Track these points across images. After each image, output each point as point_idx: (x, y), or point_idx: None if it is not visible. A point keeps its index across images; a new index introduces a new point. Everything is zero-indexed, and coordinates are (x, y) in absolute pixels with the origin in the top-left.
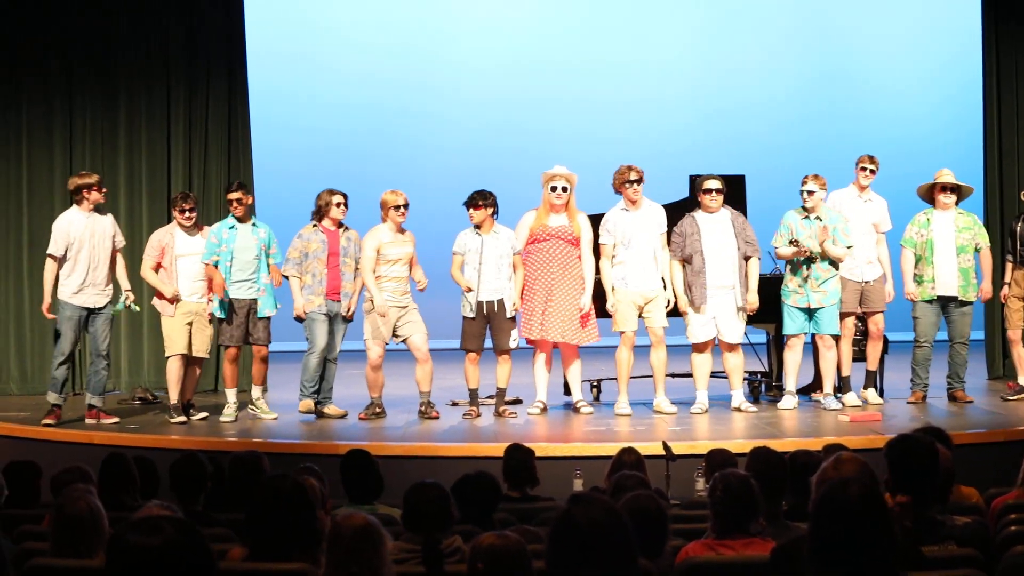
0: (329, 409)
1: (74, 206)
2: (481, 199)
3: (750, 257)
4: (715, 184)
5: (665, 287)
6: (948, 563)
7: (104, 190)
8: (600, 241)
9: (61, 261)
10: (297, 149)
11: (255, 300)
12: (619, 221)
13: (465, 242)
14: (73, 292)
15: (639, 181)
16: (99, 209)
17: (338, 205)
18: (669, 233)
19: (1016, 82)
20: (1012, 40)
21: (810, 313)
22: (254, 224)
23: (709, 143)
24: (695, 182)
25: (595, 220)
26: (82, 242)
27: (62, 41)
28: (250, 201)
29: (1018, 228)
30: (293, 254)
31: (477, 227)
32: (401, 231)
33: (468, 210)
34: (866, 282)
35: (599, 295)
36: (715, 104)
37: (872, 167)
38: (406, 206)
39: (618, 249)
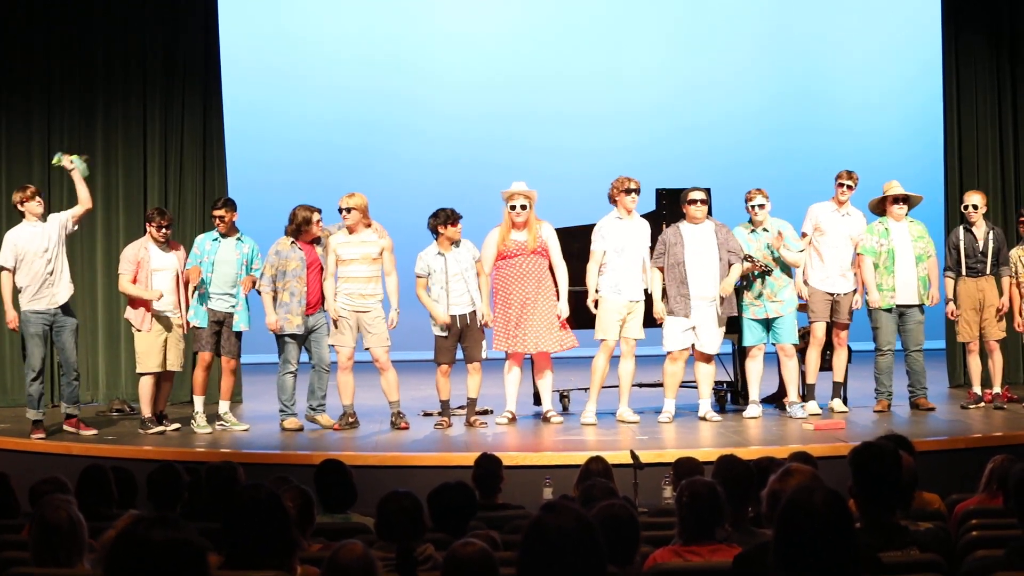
0: (321, 418)
1: (22, 220)
2: (456, 216)
3: (732, 264)
4: (698, 195)
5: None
6: (911, 568)
7: (40, 200)
8: (592, 247)
9: (14, 272)
10: (273, 162)
11: (230, 314)
12: (614, 229)
13: (428, 263)
14: (30, 300)
15: (637, 192)
16: (45, 218)
17: (318, 223)
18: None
19: (974, 95)
20: (970, 55)
21: (768, 324)
22: (239, 239)
23: (677, 157)
24: (660, 193)
25: (565, 231)
26: (32, 254)
27: (41, 56)
28: (234, 218)
29: (962, 241)
30: (268, 271)
31: (456, 243)
32: (351, 231)
33: (446, 228)
34: (837, 294)
35: (580, 306)
36: (684, 118)
37: (849, 183)
38: (347, 210)
39: (610, 256)
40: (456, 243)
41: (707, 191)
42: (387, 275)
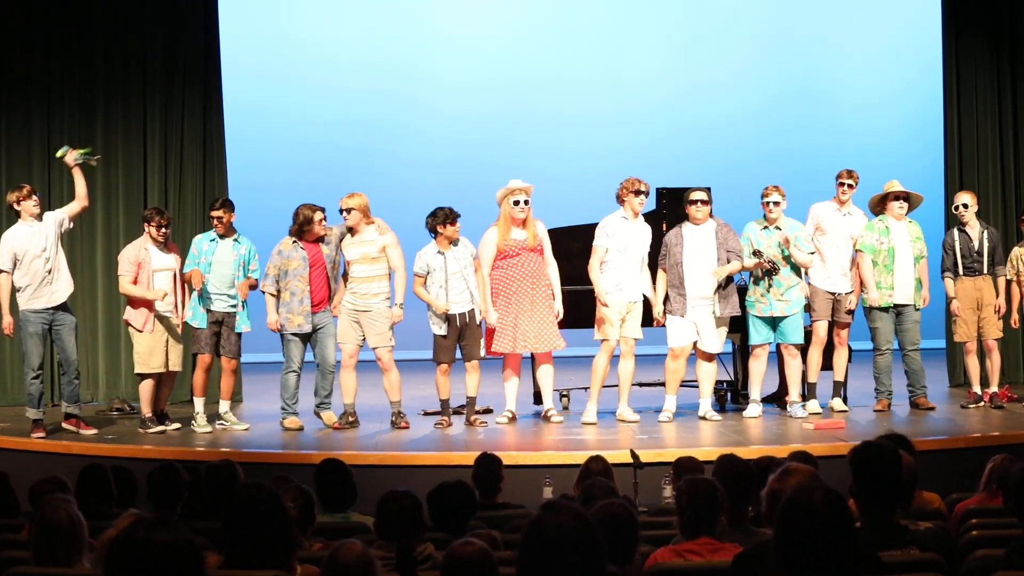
0: (324, 416)
1: (18, 221)
2: (455, 215)
3: (732, 262)
4: (699, 195)
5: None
6: (911, 567)
7: (36, 198)
8: (595, 243)
9: (12, 274)
10: (274, 162)
11: (229, 314)
12: (619, 228)
13: (428, 262)
14: (29, 299)
15: (646, 194)
16: (41, 217)
17: (320, 221)
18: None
19: (975, 96)
20: (971, 56)
21: (774, 323)
22: (236, 239)
23: (678, 157)
24: (661, 192)
25: (565, 230)
26: (31, 254)
27: (41, 56)
28: (232, 219)
29: (957, 241)
30: (271, 271)
31: (454, 242)
32: (353, 232)
33: (445, 227)
34: (838, 293)
35: (577, 304)
36: (684, 119)
37: (850, 182)
38: (347, 210)
39: (612, 255)
40: (455, 242)
41: (708, 191)
42: (394, 271)
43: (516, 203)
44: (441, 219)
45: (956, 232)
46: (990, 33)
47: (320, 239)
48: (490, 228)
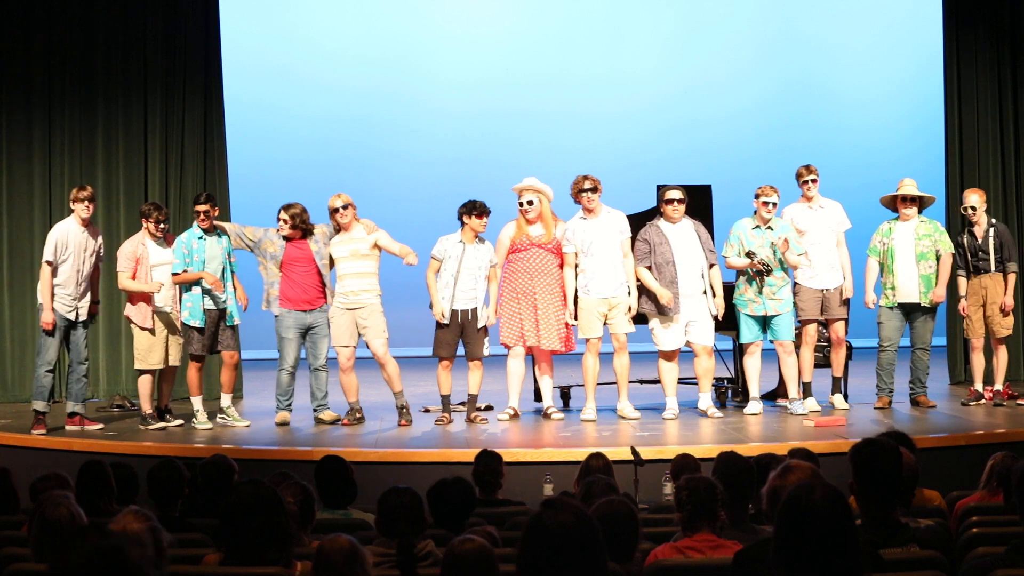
0: (324, 415)
1: (71, 216)
2: (484, 210)
3: (713, 265)
4: (676, 195)
5: (629, 293)
6: (911, 565)
7: (88, 203)
8: (564, 250)
9: (55, 269)
10: (275, 159)
11: (224, 309)
12: (577, 229)
13: (446, 248)
14: (59, 301)
15: (593, 190)
16: (93, 222)
17: (276, 220)
18: (633, 239)
19: (975, 93)
20: (971, 52)
21: (765, 321)
22: (218, 233)
23: (677, 154)
24: (661, 190)
25: None
26: (70, 253)
27: (41, 53)
28: (216, 213)
29: (965, 240)
30: (247, 229)
31: (479, 238)
32: (345, 229)
33: (470, 218)
34: (826, 289)
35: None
36: (683, 116)
37: (810, 177)
38: (344, 207)
39: (580, 257)
40: (479, 238)
41: (684, 190)
42: (405, 255)
43: (521, 204)
44: (468, 208)
45: (964, 233)
46: (991, 30)
47: (306, 235)
48: (509, 223)
